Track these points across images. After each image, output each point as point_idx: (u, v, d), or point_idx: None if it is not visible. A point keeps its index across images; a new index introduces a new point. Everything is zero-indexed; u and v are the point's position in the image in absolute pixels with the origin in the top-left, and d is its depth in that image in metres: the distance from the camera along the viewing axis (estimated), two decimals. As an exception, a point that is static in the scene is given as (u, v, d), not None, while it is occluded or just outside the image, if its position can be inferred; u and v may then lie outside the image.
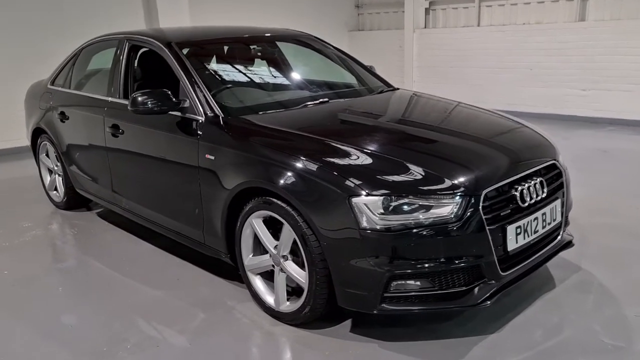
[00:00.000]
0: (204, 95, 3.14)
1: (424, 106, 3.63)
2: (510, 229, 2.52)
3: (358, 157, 2.59)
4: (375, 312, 2.42)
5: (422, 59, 9.58)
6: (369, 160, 2.57)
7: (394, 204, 2.37)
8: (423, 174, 2.48)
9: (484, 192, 2.46)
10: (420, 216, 2.36)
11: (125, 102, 3.51)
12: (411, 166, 2.50)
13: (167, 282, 3.30)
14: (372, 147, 2.66)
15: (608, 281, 3.06)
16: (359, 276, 2.42)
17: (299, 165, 2.57)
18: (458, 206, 2.39)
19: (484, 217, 2.42)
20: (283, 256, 2.70)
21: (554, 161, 2.89)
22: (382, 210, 2.36)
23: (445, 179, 2.45)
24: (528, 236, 2.62)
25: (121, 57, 3.81)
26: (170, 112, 3.17)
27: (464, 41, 8.87)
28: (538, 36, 7.95)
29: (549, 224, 2.77)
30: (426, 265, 2.37)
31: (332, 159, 2.58)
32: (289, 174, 2.58)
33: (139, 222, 3.79)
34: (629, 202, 4.33)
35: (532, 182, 2.67)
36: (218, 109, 3.08)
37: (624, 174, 5.19)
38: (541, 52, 7.94)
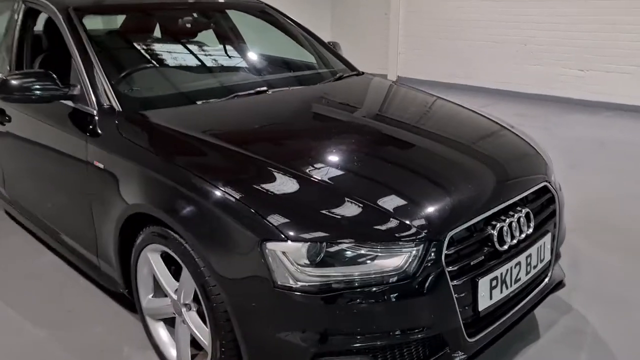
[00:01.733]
0: (101, 80, 2.41)
1: (387, 103, 2.89)
2: (483, 283, 1.87)
3: (284, 182, 1.91)
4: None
5: (409, 28, 8.78)
6: (296, 187, 1.90)
7: (323, 253, 1.71)
8: (367, 209, 1.81)
9: (449, 234, 1.80)
10: (360, 271, 1.71)
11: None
12: (352, 198, 1.83)
13: (57, 316, 2.64)
14: (305, 167, 1.97)
15: (605, 328, 2.46)
16: (273, 350, 1.77)
17: (202, 189, 1.88)
18: (413, 256, 1.74)
19: (446, 269, 1.77)
20: (185, 304, 2.05)
21: (545, 183, 2.23)
22: (306, 261, 1.70)
23: (398, 217, 1.79)
24: (507, 288, 1.98)
25: (16, 23, 3.04)
26: (58, 101, 2.46)
27: (454, 11, 8.07)
28: (534, 8, 7.18)
29: (535, 267, 2.13)
30: (366, 339, 1.73)
31: (248, 184, 1.90)
32: (188, 201, 1.90)
33: (34, 231, 3.11)
34: (631, 211, 3.71)
35: (516, 216, 2.01)
36: (115, 99, 2.36)
37: (625, 172, 4.55)
38: (537, 27, 7.18)
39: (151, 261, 2.11)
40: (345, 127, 2.45)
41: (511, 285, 2.00)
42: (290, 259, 1.69)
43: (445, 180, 2.00)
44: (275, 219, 1.73)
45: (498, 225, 1.94)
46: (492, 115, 2.71)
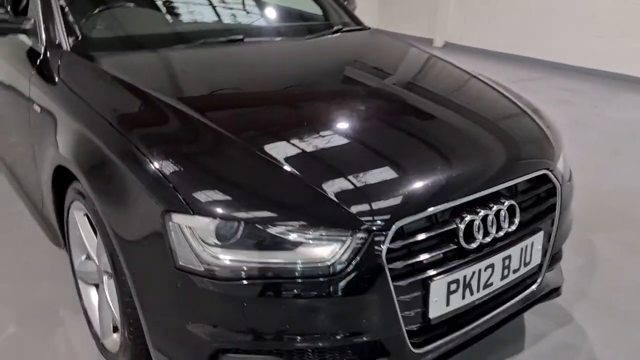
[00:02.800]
0: (55, 14, 2.17)
1: (373, 62, 2.47)
2: (438, 286, 1.54)
3: (214, 149, 1.63)
4: (200, 391, 1.54)
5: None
6: (225, 157, 1.60)
7: (240, 233, 1.42)
8: (300, 188, 1.50)
9: (397, 225, 1.47)
10: (281, 259, 1.42)
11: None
12: (285, 174, 1.52)
13: (13, 267, 2.50)
14: (245, 135, 1.65)
15: (605, 348, 2.07)
16: (175, 339, 1.52)
17: (118, 145, 1.63)
18: (347, 247, 1.43)
19: (387, 266, 1.45)
20: (106, 272, 1.83)
21: (544, 171, 1.84)
22: (215, 241, 1.42)
23: (335, 201, 1.46)
24: (472, 294, 1.64)
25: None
26: (12, 34, 2.24)
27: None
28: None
29: (516, 271, 1.76)
30: (281, 339, 1.45)
31: (170, 147, 1.61)
32: (102, 158, 1.65)
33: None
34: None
35: (494, 208, 1.65)
36: (65, 37, 2.11)
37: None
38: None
39: (76, 220, 1.90)
40: (312, 94, 2.09)
41: (478, 291, 1.65)
42: (197, 236, 1.42)
43: (401, 164, 1.64)
44: (185, 188, 1.45)
45: (468, 217, 1.58)
46: (497, 83, 2.29)
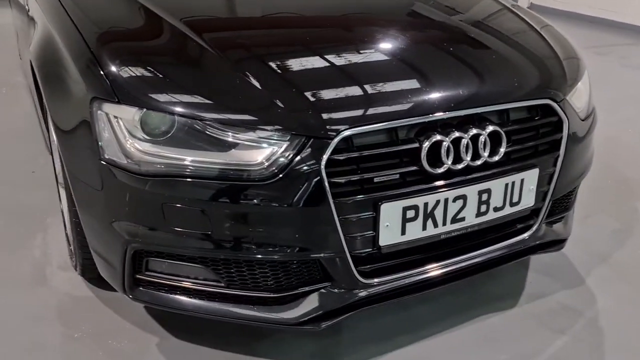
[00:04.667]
0: None
1: None
2: (390, 209, 1.36)
3: (158, 38, 1.52)
4: (129, 296, 1.47)
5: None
6: (168, 46, 1.50)
7: (168, 128, 1.31)
8: (241, 85, 1.36)
9: (342, 133, 1.30)
10: (210, 158, 1.30)
11: None
12: (226, 70, 1.40)
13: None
14: (198, 29, 1.54)
15: (613, 317, 1.80)
16: (101, 236, 1.45)
17: (68, 35, 1.56)
18: (282, 152, 1.28)
19: (326, 179, 1.29)
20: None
21: (547, 101, 1.57)
22: (143, 135, 1.32)
23: (275, 101, 1.32)
24: (435, 226, 1.44)
25: None
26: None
27: None
28: None
29: (498, 209, 1.53)
30: (206, 245, 1.34)
31: (110, 34, 1.54)
32: (53, 50, 1.59)
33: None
34: None
35: (472, 132, 1.43)
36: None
37: None
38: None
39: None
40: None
41: (445, 224, 1.46)
42: (123, 127, 1.33)
43: (373, 71, 1.47)
44: (114, 74, 1.36)
45: (435, 138, 1.38)
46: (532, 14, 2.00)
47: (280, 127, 1.29)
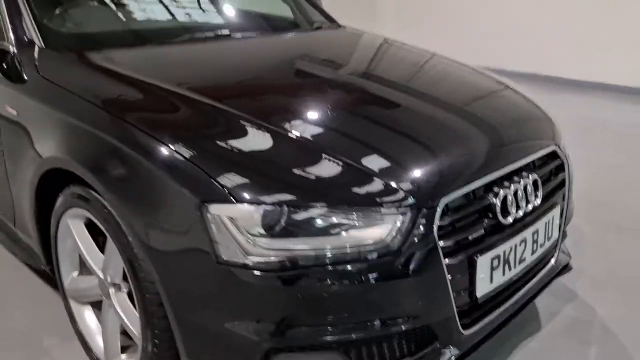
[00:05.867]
0: (21, 10, 1.96)
1: (375, 59, 2.45)
2: (483, 262, 1.50)
3: (242, 134, 1.52)
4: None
5: (400, 3, 8.36)
6: (256, 140, 1.50)
7: (284, 220, 1.32)
8: (344, 168, 1.42)
9: (443, 201, 1.43)
10: (332, 244, 1.32)
11: None
12: (326, 154, 1.44)
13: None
14: (273, 119, 1.56)
15: (614, 319, 2.12)
16: (216, 343, 1.38)
17: (133, 138, 1.47)
18: (399, 226, 1.36)
19: (439, 244, 1.40)
20: (114, 284, 1.64)
21: (554, 148, 1.87)
22: (261, 230, 1.31)
23: (381, 179, 1.41)
24: (510, 270, 1.62)
25: None
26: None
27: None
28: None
29: (542, 245, 1.77)
30: (337, 331, 1.35)
31: (193, 134, 1.49)
32: (114, 153, 1.49)
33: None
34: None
35: (522, 182, 1.64)
36: (37, 32, 1.92)
37: (633, 152, 4.22)
38: (533, 3, 6.83)
39: (73, 230, 1.70)
40: (325, 82, 2.03)
41: (515, 267, 1.64)
42: (239, 226, 1.30)
43: (436, 142, 1.61)
44: (222, 175, 1.33)
45: (501, 192, 1.57)
46: (495, 75, 2.32)
47: (393, 204, 1.37)
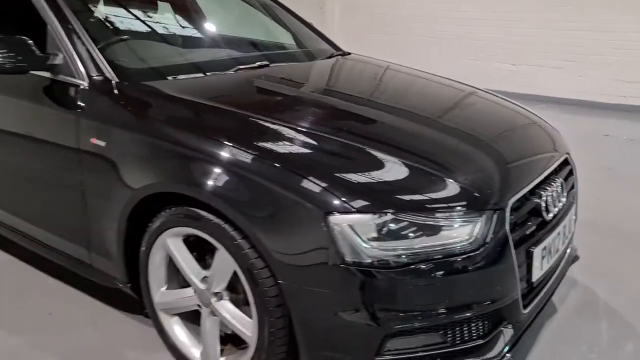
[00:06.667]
0: (88, 48, 2.11)
1: (409, 83, 2.80)
2: (537, 253, 1.82)
3: (335, 154, 1.76)
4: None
5: (345, 23, 8.77)
6: (355, 158, 1.76)
7: (392, 225, 1.57)
8: (432, 178, 1.70)
9: (511, 201, 1.73)
10: (430, 243, 1.59)
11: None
12: (416, 167, 1.73)
13: (32, 320, 2.29)
14: (353, 140, 1.83)
15: (614, 299, 2.51)
16: (339, 333, 1.61)
17: (243, 160, 1.69)
18: (481, 225, 1.65)
19: (511, 238, 1.70)
20: (215, 293, 1.82)
21: (567, 155, 2.23)
22: (375, 235, 1.56)
23: (462, 186, 1.69)
24: (551, 259, 1.96)
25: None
26: (33, 72, 2.11)
27: (391, 5, 8.17)
28: (471, 4, 7.42)
29: (567, 237, 2.12)
30: (438, 316, 1.61)
31: (296, 154, 1.74)
32: (228, 173, 1.69)
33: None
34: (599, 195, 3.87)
35: (555, 185, 1.99)
36: (109, 69, 2.07)
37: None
38: (473, 22, 7.44)
39: (172, 247, 1.86)
40: (391, 105, 2.32)
41: (554, 256, 1.97)
42: (357, 232, 1.54)
43: (500, 154, 1.95)
44: (340, 190, 1.58)
45: (544, 194, 1.90)
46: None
47: (476, 207, 1.66)
